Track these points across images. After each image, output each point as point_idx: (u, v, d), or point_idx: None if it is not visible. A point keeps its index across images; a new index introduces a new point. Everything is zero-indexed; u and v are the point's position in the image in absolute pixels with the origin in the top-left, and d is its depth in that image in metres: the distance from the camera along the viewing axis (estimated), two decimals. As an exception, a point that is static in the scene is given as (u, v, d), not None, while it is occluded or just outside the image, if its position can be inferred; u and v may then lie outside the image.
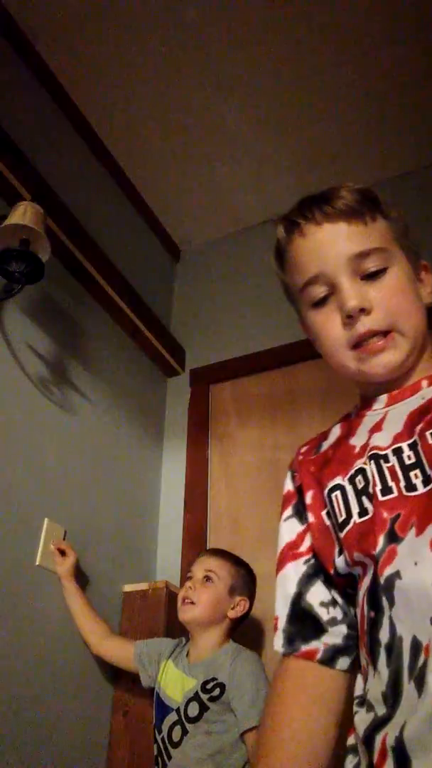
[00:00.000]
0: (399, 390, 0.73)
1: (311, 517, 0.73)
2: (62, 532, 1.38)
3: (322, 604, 0.70)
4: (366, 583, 0.62)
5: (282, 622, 0.72)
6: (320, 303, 0.73)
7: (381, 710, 0.55)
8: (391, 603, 0.57)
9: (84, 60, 1.84)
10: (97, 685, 1.39)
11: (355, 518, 0.65)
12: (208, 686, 1.17)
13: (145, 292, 2.03)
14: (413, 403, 0.70)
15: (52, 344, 1.55)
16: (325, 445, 0.80)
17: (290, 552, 0.75)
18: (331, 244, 0.72)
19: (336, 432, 0.82)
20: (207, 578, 1.30)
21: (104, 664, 1.39)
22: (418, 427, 0.65)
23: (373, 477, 0.65)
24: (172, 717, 1.18)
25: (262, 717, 0.74)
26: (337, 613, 0.69)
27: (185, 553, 1.69)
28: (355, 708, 0.62)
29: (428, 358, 0.76)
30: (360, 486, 0.66)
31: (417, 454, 0.63)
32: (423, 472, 0.61)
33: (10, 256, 1.31)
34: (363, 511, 0.64)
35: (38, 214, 1.36)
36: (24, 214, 1.33)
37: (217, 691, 1.16)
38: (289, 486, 0.81)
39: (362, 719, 0.58)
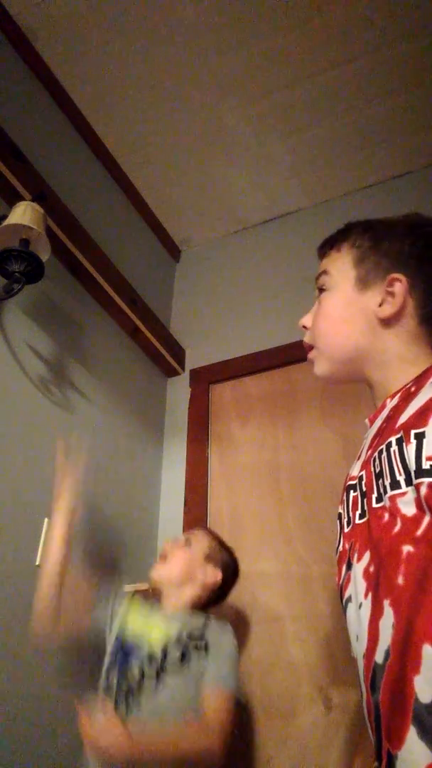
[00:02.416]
0: (375, 410, 0.78)
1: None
2: (62, 532, 1.38)
3: None
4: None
5: None
6: None
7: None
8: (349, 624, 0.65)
9: (84, 60, 1.84)
10: (98, 685, 1.38)
11: (339, 548, 0.73)
12: (194, 635, 1.15)
13: (145, 292, 2.03)
14: (377, 424, 0.74)
15: (52, 344, 1.55)
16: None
17: None
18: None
19: None
20: (186, 540, 1.32)
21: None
22: (368, 453, 0.70)
23: (347, 509, 0.73)
24: (143, 663, 1.10)
25: None
26: None
27: (185, 553, 1.69)
28: None
29: (405, 372, 0.75)
30: (343, 519, 0.74)
31: (363, 486, 0.69)
32: (365, 501, 0.67)
33: (10, 256, 1.31)
34: (340, 543, 0.73)
35: (38, 214, 1.36)
36: (24, 214, 1.33)
37: (200, 643, 1.14)
38: None
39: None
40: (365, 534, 0.64)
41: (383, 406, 0.74)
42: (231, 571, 1.34)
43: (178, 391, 2.07)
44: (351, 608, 0.63)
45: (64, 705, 1.27)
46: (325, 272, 0.86)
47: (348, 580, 0.65)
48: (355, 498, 0.70)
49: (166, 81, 1.88)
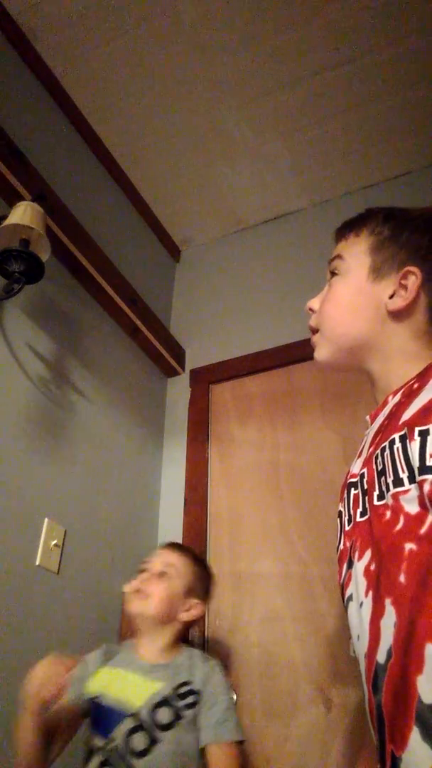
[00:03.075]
0: (377, 407, 0.77)
1: None
2: (62, 532, 1.38)
3: None
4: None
5: None
6: None
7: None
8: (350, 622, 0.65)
9: (84, 60, 1.84)
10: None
11: (340, 546, 0.73)
12: (182, 691, 1.06)
13: (145, 292, 2.03)
14: (378, 421, 0.73)
15: (52, 344, 1.55)
16: None
17: None
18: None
19: None
20: (163, 573, 1.19)
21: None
22: (370, 450, 0.70)
23: (348, 506, 0.72)
24: (129, 723, 1.01)
25: None
26: None
27: (185, 553, 1.69)
28: None
29: (407, 367, 0.74)
30: (343, 517, 0.74)
31: (365, 483, 0.69)
32: (366, 498, 0.67)
33: (10, 256, 1.31)
34: (341, 541, 0.73)
35: (38, 214, 1.36)
36: (24, 214, 1.33)
37: (191, 698, 1.06)
38: None
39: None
40: (366, 532, 0.64)
41: (385, 403, 0.73)
42: (211, 590, 1.27)
43: (178, 391, 2.07)
44: (352, 607, 0.63)
45: (64, 705, 1.26)
46: (339, 257, 0.84)
47: (349, 578, 0.65)
48: (356, 496, 0.70)
49: (166, 81, 1.88)
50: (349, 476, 0.75)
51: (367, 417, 0.79)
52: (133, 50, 1.80)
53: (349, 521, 0.69)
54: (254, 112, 1.96)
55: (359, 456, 0.75)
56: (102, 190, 2.07)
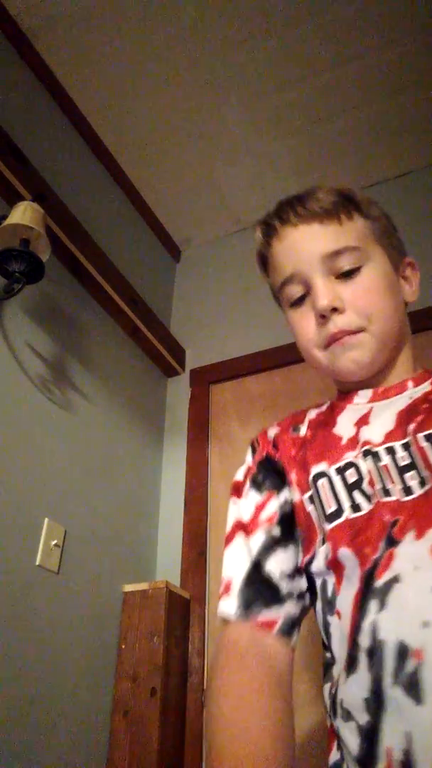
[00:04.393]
0: (384, 388, 0.74)
1: (296, 496, 0.71)
2: (62, 532, 1.38)
3: (282, 575, 0.68)
4: (351, 585, 0.60)
5: (237, 584, 0.68)
6: (297, 302, 0.76)
7: (362, 718, 0.53)
8: (381, 607, 0.55)
9: (84, 60, 1.84)
10: (97, 685, 1.38)
11: (348, 513, 0.63)
12: None
13: (145, 292, 2.03)
14: (400, 402, 0.70)
15: (52, 344, 1.55)
16: (303, 428, 0.78)
17: (250, 522, 0.72)
18: (305, 244, 0.73)
19: (311, 416, 0.80)
20: None
21: (104, 664, 1.39)
22: (411, 428, 0.65)
23: (370, 475, 0.64)
24: None
25: (209, 694, 0.64)
26: (294, 587, 0.68)
27: (185, 553, 1.69)
28: (332, 718, 0.59)
29: (409, 357, 0.77)
30: (351, 480, 0.65)
31: (411, 456, 0.63)
32: (419, 474, 0.61)
33: (10, 256, 1.30)
34: (355, 507, 0.63)
35: (38, 214, 1.36)
36: (24, 214, 1.33)
37: None
38: (249, 462, 0.79)
39: (350, 730, 0.55)
40: (426, 508, 0.58)
41: (403, 387, 0.72)
42: None
43: (178, 391, 2.07)
44: (403, 589, 0.55)
45: (64, 705, 1.27)
46: (356, 248, 0.71)
47: (390, 557, 0.58)
48: (385, 467, 0.63)
49: (166, 81, 1.88)
50: (363, 444, 0.67)
51: (367, 391, 0.74)
52: (133, 50, 1.80)
53: (385, 494, 0.62)
54: (254, 111, 1.96)
55: (365, 423, 0.70)
56: (102, 190, 2.07)
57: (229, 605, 0.67)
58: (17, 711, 1.15)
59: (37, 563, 1.29)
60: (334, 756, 0.58)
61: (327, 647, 0.65)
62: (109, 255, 1.85)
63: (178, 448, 1.92)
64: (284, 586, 0.67)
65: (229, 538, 0.74)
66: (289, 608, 0.67)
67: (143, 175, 2.19)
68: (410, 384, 0.72)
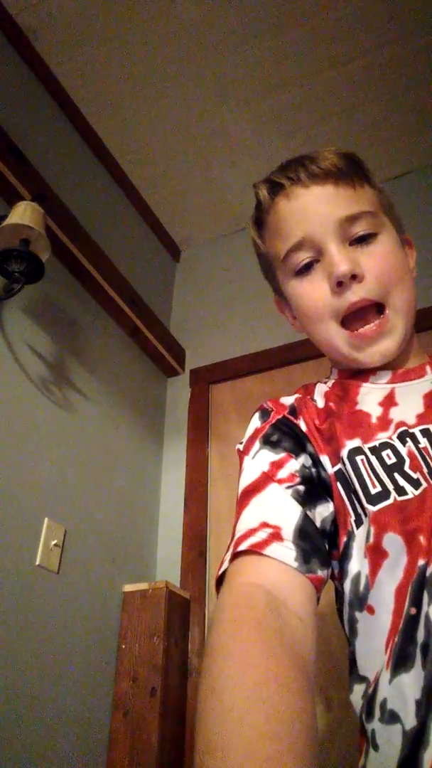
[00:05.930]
0: (403, 369, 0.69)
1: (328, 468, 0.63)
2: (62, 532, 1.38)
3: (325, 535, 0.60)
4: (393, 576, 0.54)
5: (290, 533, 0.57)
6: (304, 270, 0.68)
7: (410, 723, 0.47)
8: None
9: (84, 60, 1.84)
10: (97, 685, 1.38)
11: (395, 495, 0.56)
12: None
13: (145, 292, 2.03)
14: (422, 386, 0.66)
15: (52, 344, 1.55)
16: (320, 401, 0.71)
17: (267, 478, 0.62)
18: (319, 206, 0.66)
19: (323, 389, 0.74)
20: None
21: (104, 664, 1.39)
22: (425, 406, 0.62)
23: (413, 457, 0.58)
24: None
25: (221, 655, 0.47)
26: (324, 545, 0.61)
27: (185, 553, 1.69)
28: (366, 720, 0.52)
29: (416, 339, 0.74)
30: (390, 461, 0.59)
31: None
32: None
33: (9, 256, 1.31)
34: (400, 490, 0.56)
35: (38, 214, 1.36)
36: (24, 214, 1.33)
37: None
38: (257, 423, 0.71)
39: (390, 733, 0.48)
40: None
41: (422, 372, 0.68)
42: None
43: (178, 391, 2.07)
44: None
45: (64, 705, 1.27)
46: (373, 214, 0.66)
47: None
48: (425, 449, 0.58)
49: (166, 81, 1.88)
50: (397, 425, 0.62)
51: (386, 372, 0.69)
52: (133, 50, 1.80)
53: None
54: (254, 111, 1.96)
55: (394, 405, 0.65)
56: (102, 190, 2.07)
57: (285, 554, 0.56)
58: (17, 711, 1.15)
59: (37, 563, 1.29)
60: (367, 760, 0.52)
61: (351, 643, 0.59)
62: (109, 255, 1.85)
63: (178, 448, 1.92)
64: (323, 545, 0.60)
65: (252, 490, 0.62)
66: (327, 574, 0.60)
67: (143, 174, 2.19)
68: (428, 368, 0.69)
